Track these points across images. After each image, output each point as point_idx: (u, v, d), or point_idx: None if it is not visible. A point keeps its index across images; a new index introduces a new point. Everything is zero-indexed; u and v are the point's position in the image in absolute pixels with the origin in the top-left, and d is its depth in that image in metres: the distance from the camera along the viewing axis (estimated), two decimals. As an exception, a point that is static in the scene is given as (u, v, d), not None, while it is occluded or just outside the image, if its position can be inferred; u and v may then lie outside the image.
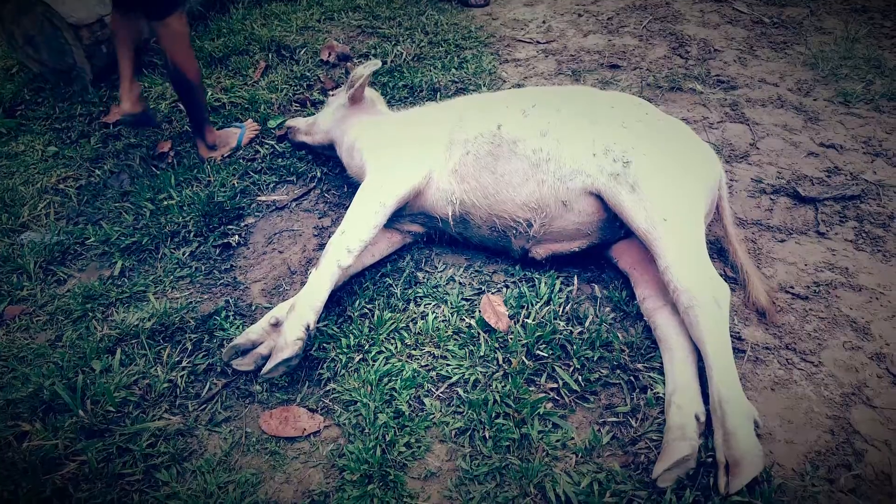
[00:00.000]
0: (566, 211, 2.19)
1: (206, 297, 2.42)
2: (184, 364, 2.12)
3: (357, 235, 2.14)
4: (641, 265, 2.20)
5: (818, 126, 3.07)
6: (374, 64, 2.67)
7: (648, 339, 2.06)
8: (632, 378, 1.95)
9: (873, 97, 3.21)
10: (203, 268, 2.55)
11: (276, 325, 2.09)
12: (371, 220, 2.17)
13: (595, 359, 2.00)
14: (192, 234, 2.70)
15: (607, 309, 2.20)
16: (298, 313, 2.01)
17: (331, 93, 3.04)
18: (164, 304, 2.33)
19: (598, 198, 2.17)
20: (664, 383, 1.89)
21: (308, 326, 2.00)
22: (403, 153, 2.37)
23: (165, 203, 2.84)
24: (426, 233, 2.52)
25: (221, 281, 2.49)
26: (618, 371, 1.98)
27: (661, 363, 1.96)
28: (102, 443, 1.86)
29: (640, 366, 1.98)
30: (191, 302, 2.37)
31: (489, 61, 3.76)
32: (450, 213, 2.33)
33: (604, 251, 2.35)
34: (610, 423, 1.84)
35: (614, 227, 2.23)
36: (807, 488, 1.63)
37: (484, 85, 3.49)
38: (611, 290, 2.26)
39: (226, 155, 3.19)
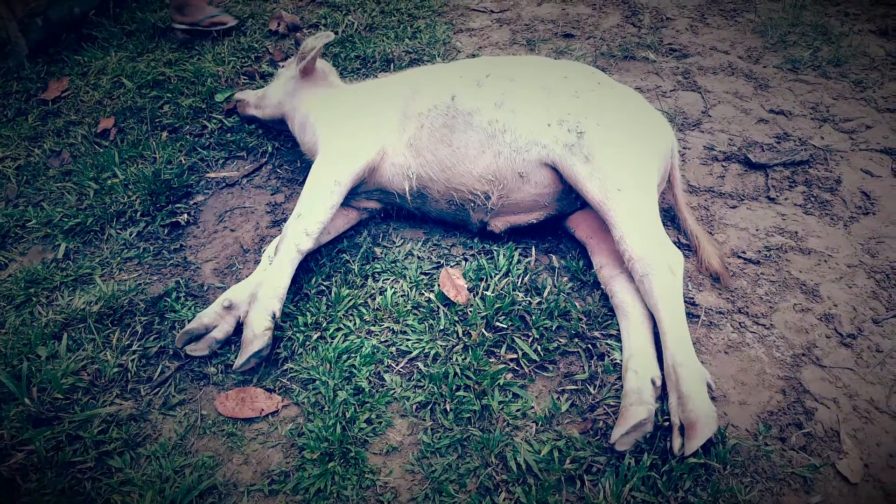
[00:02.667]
0: (523, 183, 2.18)
1: (155, 278, 2.35)
2: (134, 348, 2.05)
3: (314, 217, 2.09)
4: (598, 234, 2.21)
5: (768, 93, 3.11)
6: (326, 35, 2.59)
7: (605, 308, 2.08)
8: (590, 346, 1.97)
9: (820, 63, 3.27)
10: (151, 248, 2.47)
11: (230, 307, 2.04)
12: (327, 201, 2.12)
13: (553, 328, 2.01)
14: (138, 213, 2.60)
15: (565, 279, 2.21)
16: (263, 303, 1.96)
17: (281, 64, 2.95)
18: (112, 287, 2.25)
19: (555, 169, 2.16)
20: (621, 350, 1.91)
21: (274, 315, 1.96)
22: (356, 128, 2.31)
23: (110, 182, 2.74)
24: (383, 208, 2.48)
25: (171, 261, 2.41)
26: (576, 339, 1.99)
27: (618, 330, 1.98)
28: (51, 431, 1.80)
29: (597, 333, 1.99)
30: (140, 284, 2.30)
31: (443, 31, 3.69)
32: (407, 188, 2.29)
33: (561, 222, 2.35)
34: (569, 391, 1.86)
35: (570, 198, 2.23)
36: (760, 447, 1.68)
37: (438, 55, 3.43)
38: (568, 259, 2.27)
39: (186, 26, 3.66)
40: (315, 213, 2.11)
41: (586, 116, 2.13)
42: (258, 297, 1.98)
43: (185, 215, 2.61)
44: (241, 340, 1.95)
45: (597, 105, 2.18)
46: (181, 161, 2.87)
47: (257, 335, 1.91)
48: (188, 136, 3.03)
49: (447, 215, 2.36)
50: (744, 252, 2.31)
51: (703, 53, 3.42)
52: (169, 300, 2.21)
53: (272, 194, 2.72)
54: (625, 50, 3.42)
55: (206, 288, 2.29)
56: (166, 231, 2.55)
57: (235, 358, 1.99)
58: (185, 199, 2.71)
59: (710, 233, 2.38)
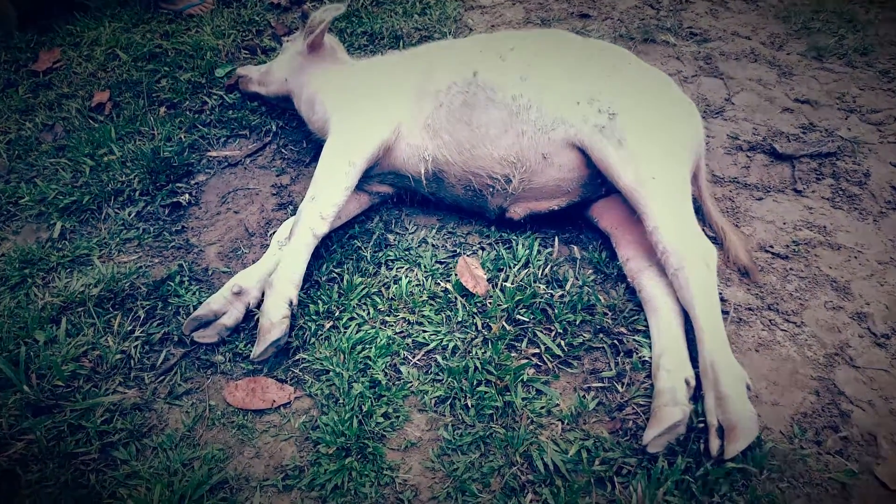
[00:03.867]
0: (547, 165, 2.13)
1: (156, 260, 2.29)
2: (137, 333, 2.00)
3: (329, 200, 2.04)
4: (624, 225, 2.17)
5: (792, 81, 3.07)
6: (336, 8, 2.52)
7: (631, 302, 2.04)
8: (616, 342, 1.93)
9: (846, 52, 3.23)
10: (152, 229, 2.41)
11: (240, 293, 1.99)
12: (342, 183, 2.07)
13: (577, 322, 1.97)
14: (137, 192, 2.54)
15: (588, 271, 2.17)
16: (279, 290, 1.91)
17: (285, 39, 2.87)
18: (112, 269, 2.19)
19: (581, 152, 2.11)
20: (650, 347, 1.88)
21: (291, 302, 1.92)
22: (369, 107, 2.25)
23: (106, 159, 2.66)
24: (396, 193, 2.43)
25: (173, 243, 2.35)
26: (601, 335, 1.95)
27: (646, 326, 1.95)
28: (52, 420, 1.75)
29: (623, 329, 1.96)
30: (140, 266, 2.24)
31: (453, 7, 3.62)
32: (422, 171, 2.24)
33: (583, 210, 2.30)
34: (595, 389, 1.82)
35: (596, 184, 2.19)
36: (796, 451, 1.65)
37: (449, 32, 3.37)
38: (590, 251, 2.23)
39: (172, 10, 3.69)
40: (330, 195, 2.05)
41: (619, 96, 2.08)
42: (273, 283, 1.92)
43: (187, 195, 2.55)
44: (257, 329, 1.90)
45: (629, 85, 2.13)
46: (181, 138, 2.80)
47: (275, 323, 1.86)
48: (187, 113, 2.95)
49: (463, 201, 2.32)
50: (771, 246, 2.28)
51: (724, 38, 3.37)
52: (172, 284, 2.15)
53: (277, 175, 2.66)
54: (644, 32, 3.36)
55: (210, 272, 2.24)
56: (167, 211, 2.49)
57: (244, 345, 1.95)
58: (186, 178, 2.64)
59: (737, 225, 2.35)
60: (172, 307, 2.09)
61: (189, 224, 2.45)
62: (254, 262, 2.26)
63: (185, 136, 2.81)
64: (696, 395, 1.73)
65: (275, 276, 1.94)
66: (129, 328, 2.02)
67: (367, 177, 2.30)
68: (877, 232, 2.32)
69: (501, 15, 3.61)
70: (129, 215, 2.45)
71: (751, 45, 3.31)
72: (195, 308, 2.02)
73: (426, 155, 2.22)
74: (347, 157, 2.11)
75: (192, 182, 2.63)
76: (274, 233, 2.35)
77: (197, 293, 2.13)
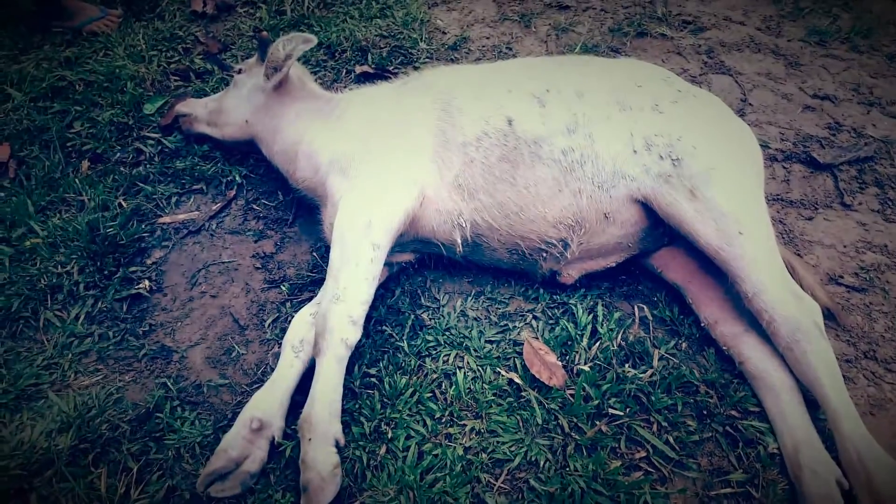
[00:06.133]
0: (608, 224, 1.87)
1: (128, 378, 1.87)
2: (135, 496, 1.59)
3: (358, 297, 1.69)
4: (698, 279, 1.94)
5: (802, 72, 2.95)
6: (305, 40, 2.12)
7: (728, 373, 1.83)
8: (728, 429, 1.71)
9: (848, 35, 3.14)
10: (111, 334, 1.97)
11: (259, 429, 1.62)
12: (369, 271, 1.72)
13: (677, 408, 1.74)
14: (81, 286, 2.08)
15: (662, 333, 1.94)
16: (320, 430, 1.56)
17: (236, 68, 2.43)
18: (74, 403, 1.75)
19: (641, 203, 1.87)
20: (772, 433, 1.67)
21: (338, 442, 1.56)
22: (384, 168, 1.89)
23: (28, 243, 2.17)
24: (418, 259, 2.09)
25: (144, 352, 1.93)
26: (708, 421, 1.73)
27: (757, 406, 1.74)
28: None
29: (733, 412, 1.74)
30: (111, 392, 1.81)
31: (417, 6, 3.24)
32: (458, 239, 1.91)
33: (640, 259, 2.06)
34: (727, 498, 1.60)
35: (656, 234, 1.96)
36: (966, 546, 1.50)
37: (420, 38, 3.00)
38: (659, 308, 2.00)
39: (68, 29, 3.12)
40: (358, 291, 1.70)
41: (678, 137, 1.84)
42: (311, 422, 1.56)
43: (146, 281, 2.11)
44: (301, 483, 1.54)
45: (684, 120, 1.90)
46: (120, 204, 2.33)
47: (325, 477, 1.51)
48: (121, 168, 2.46)
49: (506, 265, 2.02)
50: (841, 277, 2.13)
51: (718, 25, 3.20)
52: (161, 416, 1.74)
53: (256, 241, 2.25)
54: (635, 24, 3.13)
55: (204, 388, 1.84)
56: (125, 307, 2.05)
57: (280, 494, 1.59)
58: (140, 257, 2.19)
59: (799, 254, 2.19)
60: (171, 448, 1.69)
61: (157, 319, 2.03)
62: (256, 364, 1.89)
63: (125, 201, 2.34)
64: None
65: (311, 412, 1.58)
66: (123, 490, 1.60)
67: (388, 249, 1.96)
68: (942, 247, 2.22)
69: (472, 11, 3.27)
70: (77, 319, 2.00)
71: (748, 32, 3.16)
72: (200, 443, 1.66)
73: (461, 221, 1.89)
74: (369, 238, 1.76)
75: (149, 261, 2.18)
76: (274, 321, 1.99)
77: (197, 421, 1.74)
